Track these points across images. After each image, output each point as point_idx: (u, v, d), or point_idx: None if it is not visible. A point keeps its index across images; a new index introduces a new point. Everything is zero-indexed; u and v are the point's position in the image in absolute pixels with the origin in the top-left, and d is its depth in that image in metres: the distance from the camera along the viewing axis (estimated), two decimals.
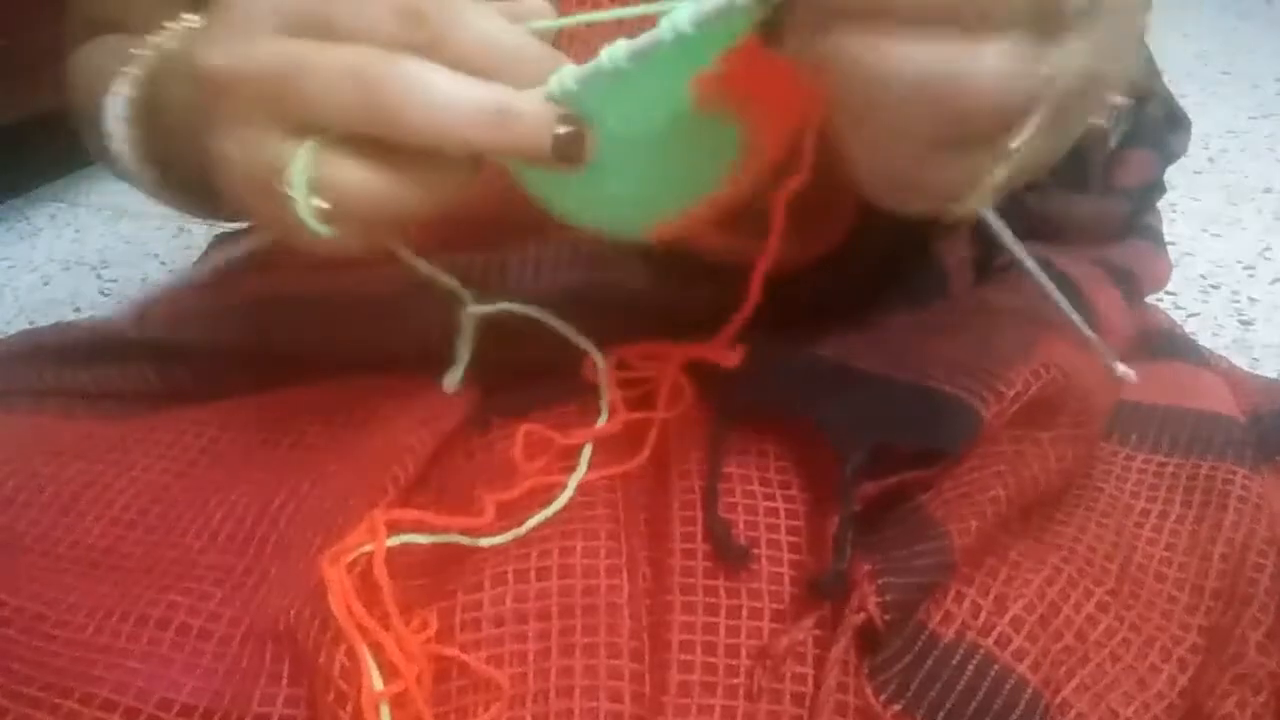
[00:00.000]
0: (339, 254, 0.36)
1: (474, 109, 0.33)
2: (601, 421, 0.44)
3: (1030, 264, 0.35)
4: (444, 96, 0.33)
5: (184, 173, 0.50)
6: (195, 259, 0.65)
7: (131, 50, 0.49)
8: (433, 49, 0.33)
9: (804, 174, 0.38)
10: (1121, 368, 0.42)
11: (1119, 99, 0.39)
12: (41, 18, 1.31)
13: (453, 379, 0.45)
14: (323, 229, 0.34)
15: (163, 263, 1.39)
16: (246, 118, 0.35)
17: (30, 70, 1.34)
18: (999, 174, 0.32)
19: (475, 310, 0.44)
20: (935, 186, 0.32)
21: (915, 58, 0.29)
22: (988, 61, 0.29)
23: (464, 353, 0.45)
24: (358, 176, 0.34)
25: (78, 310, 1.29)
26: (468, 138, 0.33)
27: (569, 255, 0.48)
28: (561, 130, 0.34)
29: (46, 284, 1.36)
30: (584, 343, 0.45)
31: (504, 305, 0.44)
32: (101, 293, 1.34)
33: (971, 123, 0.30)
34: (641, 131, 0.35)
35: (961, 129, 0.30)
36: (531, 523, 0.40)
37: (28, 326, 0.95)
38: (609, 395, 0.45)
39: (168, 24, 0.48)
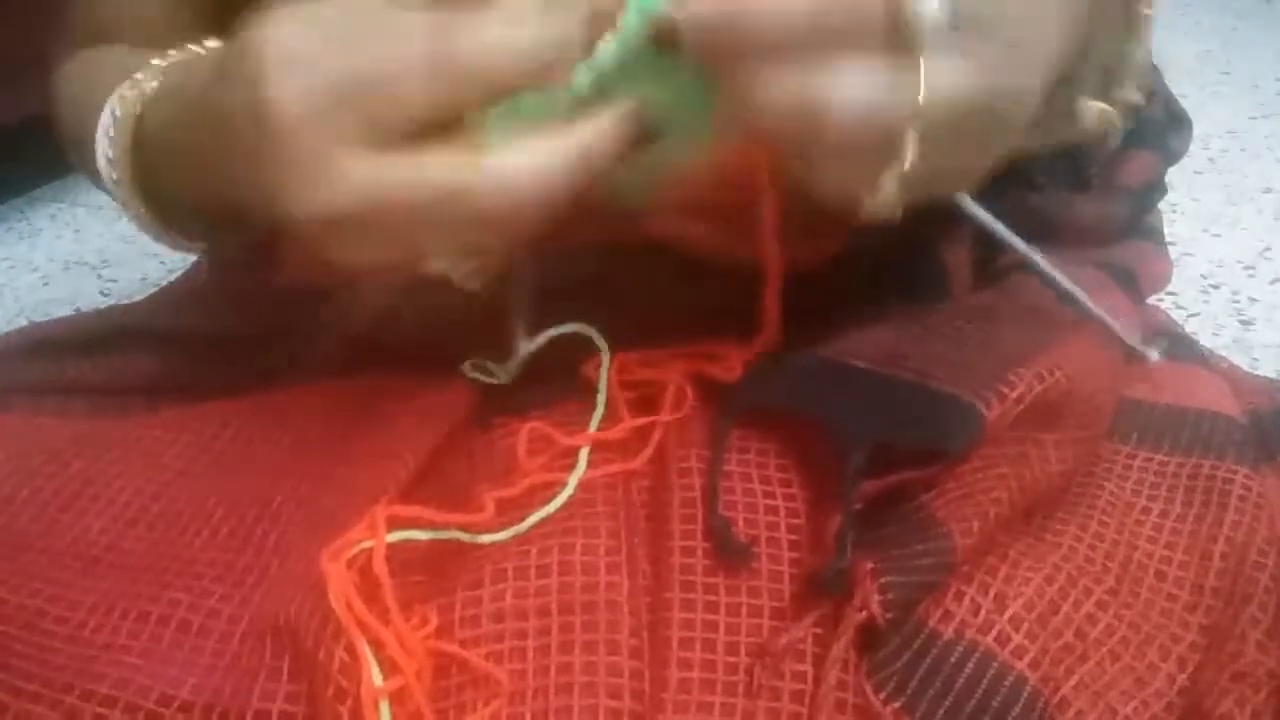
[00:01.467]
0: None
1: (556, 170, 0.35)
2: (597, 415, 0.44)
3: (1022, 247, 0.37)
4: (530, 178, 0.34)
5: (191, 205, 0.49)
6: (195, 258, 0.65)
7: (126, 80, 0.47)
8: (476, 83, 0.34)
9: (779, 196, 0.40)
10: (1152, 353, 0.42)
11: (1093, 109, 0.40)
12: (41, 18, 1.31)
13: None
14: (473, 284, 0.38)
15: (162, 263, 1.39)
16: (369, 245, 0.36)
17: (30, 70, 1.34)
18: (892, 181, 0.34)
19: (526, 347, 0.45)
20: (835, 190, 0.35)
21: (783, 87, 0.32)
22: (848, 81, 0.32)
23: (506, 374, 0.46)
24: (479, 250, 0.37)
25: (78, 310, 1.29)
26: (561, 192, 0.35)
27: (576, 255, 0.48)
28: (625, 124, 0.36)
29: (46, 284, 1.36)
30: (598, 339, 0.45)
31: (578, 328, 0.45)
32: (101, 293, 1.34)
33: (846, 138, 0.32)
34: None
35: (838, 144, 0.33)
36: (532, 520, 0.40)
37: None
38: (609, 397, 0.45)
39: (167, 54, 0.47)
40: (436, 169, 0.34)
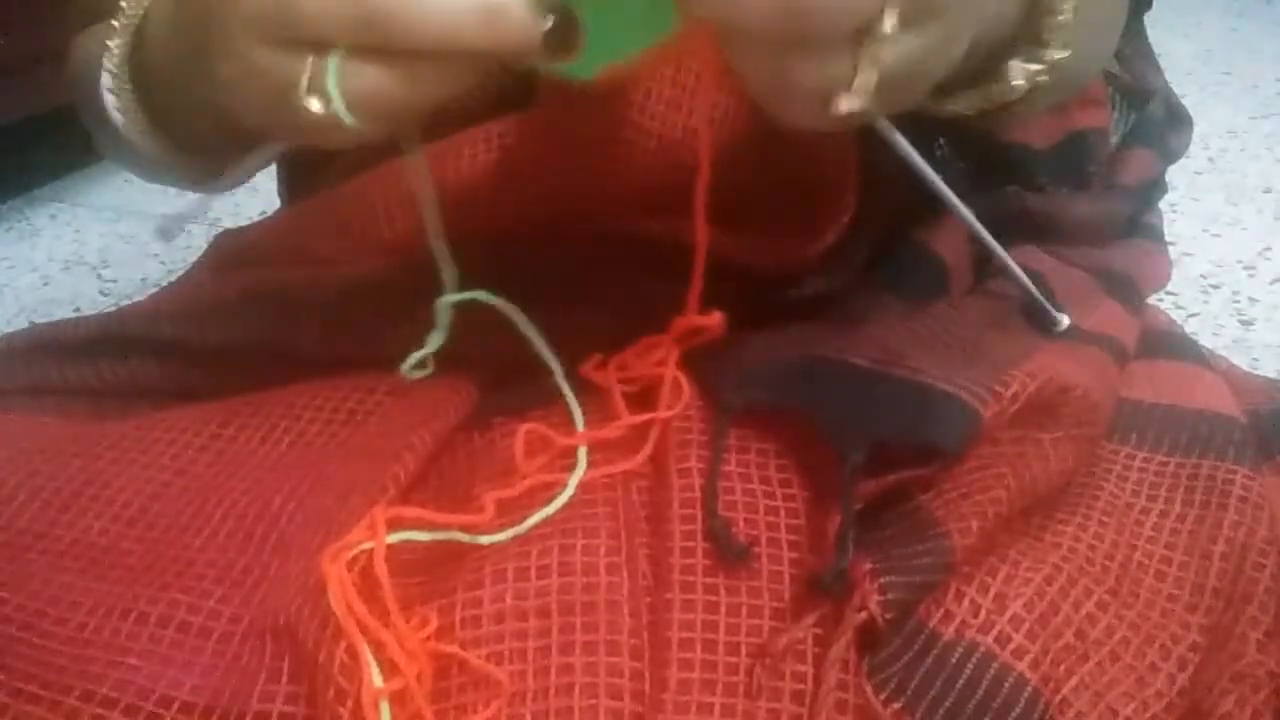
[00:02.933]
0: (365, 141, 0.37)
1: (462, 12, 0.34)
2: (577, 417, 0.44)
3: (947, 194, 0.36)
4: (433, 3, 0.33)
5: (176, 126, 0.50)
6: (195, 259, 0.65)
7: (117, 15, 0.49)
8: (395, 39, 0.34)
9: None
10: (1064, 319, 0.42)
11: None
12: (41, 18, 1.31)
13: (419, 369, 0.45)
14: (353, 123, 0.35)
15: (162, 263, 1.39)
16: (250, 38, 0.36)
17: (30, 70, 1.34)
18: (867, 75, 0.33)
19: (448, 300, 0.44)
20: (807, 90, 0.33)
21: None
22: None
23: (435, 341, 0.45)
24: (368, 81, 0.35)
25: (78, 310, 1.29)
26: (460, 40, 0.34)
27: (573, 253, 0.48)
28: (549, 23, 0.34)
29: (46, 284, 1.36)
30: (545, 350, 0.44)
31: (477, 295, 0.44)
32: (101, 293, 1.34)
33: (820, 20, 0.31)
34: None
35: (813, 27, 0.32)
36: (532, 521, 0.40)
37: (28, 326, 0.95)
38: (610, 394, 0.45)
39: None
40: None
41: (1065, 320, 0.49)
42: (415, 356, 0.44)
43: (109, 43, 0.49)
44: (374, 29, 0.34)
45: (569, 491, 0.41)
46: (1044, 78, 0.43)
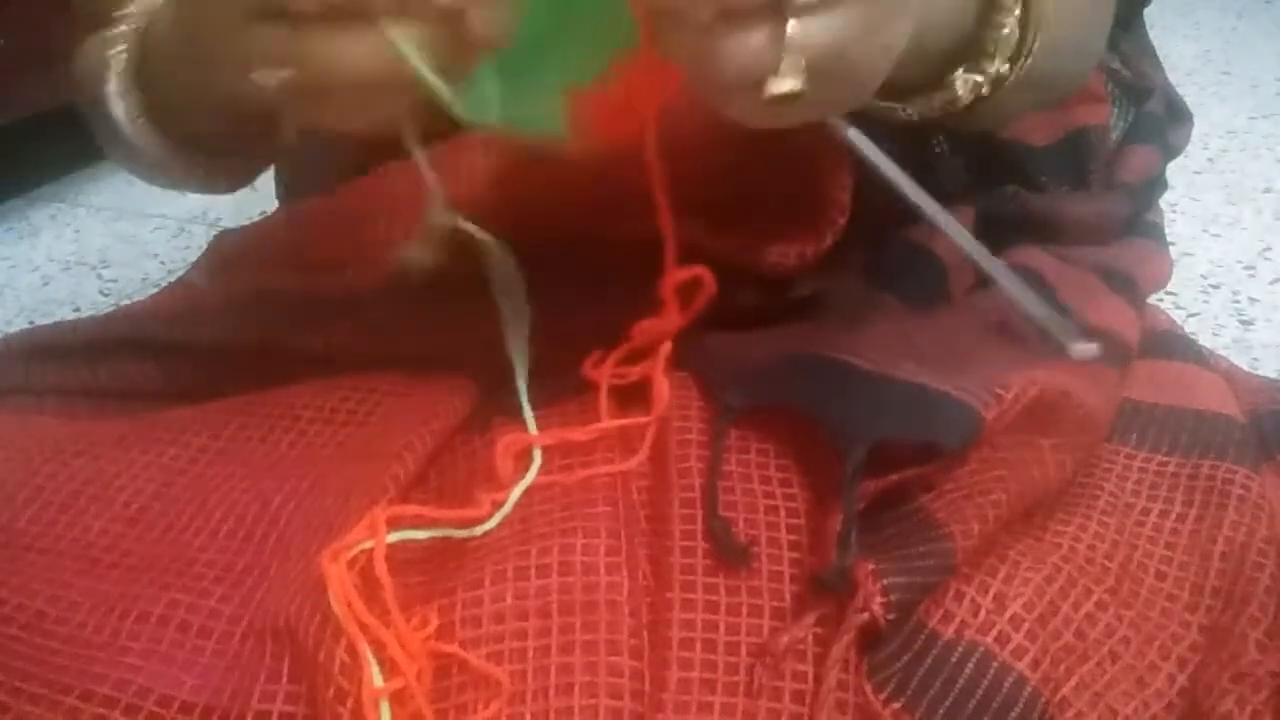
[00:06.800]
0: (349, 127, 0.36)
1: None
2: (528, 417, 0.44)
3: (939, 214, 0.36)
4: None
5: (183, 126, 0.49)
6: (195, 259, 0.65)
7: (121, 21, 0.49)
8: None
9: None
10: (1079, 346, 0.41)
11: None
12: (41, 18, 1.31)
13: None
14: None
15: (162, 263, 1.39)
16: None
17: (30, 70, 1.34)
18: (795, 54, 0.32)
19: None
20: (737, 72, 0.32)
21: None
22: None
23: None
24: (331, 49, 0.33)
25: (77, 310, 1.29)
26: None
27: (576, 254, 0.48)
28: None
29: (46, 284, 1.36)
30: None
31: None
32: (101, 293, 1.34)
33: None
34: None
35: None
36: (514, 497, 0.40)
37: (28, 326, 0.95)
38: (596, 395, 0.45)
39: None
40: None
41: (1088, 348, 0.47)
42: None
43: (112, 51, 0.49)
44: None
45: (532, 473, 0.42)
46: (985, 90, 0.43)
